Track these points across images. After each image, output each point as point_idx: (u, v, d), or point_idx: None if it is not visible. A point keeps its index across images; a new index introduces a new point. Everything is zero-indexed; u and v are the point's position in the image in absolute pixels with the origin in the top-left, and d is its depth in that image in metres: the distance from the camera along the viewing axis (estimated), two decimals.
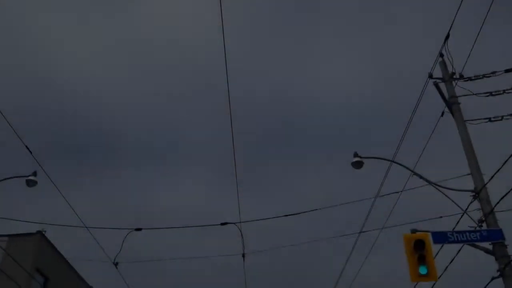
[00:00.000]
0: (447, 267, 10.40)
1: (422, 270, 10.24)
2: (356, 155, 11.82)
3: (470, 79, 12.13)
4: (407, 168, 11.60)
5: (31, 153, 11.47)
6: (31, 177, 12.08)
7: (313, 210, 12.49)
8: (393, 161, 11.69)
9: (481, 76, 11.95)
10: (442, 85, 13.60)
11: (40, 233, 23.48)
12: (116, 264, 13.51)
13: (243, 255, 13.82)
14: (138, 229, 12.92)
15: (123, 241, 12.63)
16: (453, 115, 13.06)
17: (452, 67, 12.32)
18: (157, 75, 65.22)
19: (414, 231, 10.71)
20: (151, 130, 67.91)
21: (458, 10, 10.79)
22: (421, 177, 11.50)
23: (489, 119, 12.99)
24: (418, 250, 10.41)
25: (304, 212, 12.37)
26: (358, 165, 11.75)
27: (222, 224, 13.01)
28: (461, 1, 9.76)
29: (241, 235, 13.16)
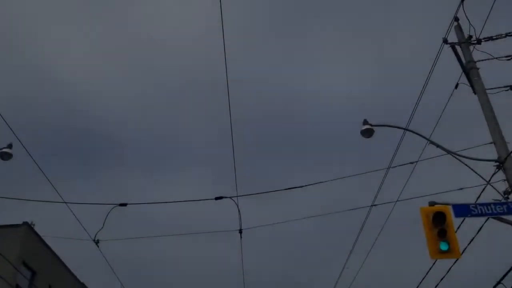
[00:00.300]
0: (470, 242, 9.24)
1: (443, 246, 9.08)
2: (365, 122, 10.66)
3: (491, 38, 11.00)
4: (422, 136, 10.45)
5: (5, 121, 10.30)
6: (6, 150, 10.90)
7: (318, 183, 11.33)
8: (407, 129, 10.54)
9: (503, 35, 10.81)
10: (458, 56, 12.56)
11: (27, 225, 22.24)
12: (97, 242, 12.32)
13: (240, 231, 12.68)
14: (123, 204, 11.76)
15: (106, 216, 11.48)
16: (470, 81, 11.96)
17: (472, 26, 11.15)
18: (157, 75, 64.10)
19: (432, 203, 9.55)
20: (150, 131, 66.71)
21: None
22: (438, 146, 10.35)
23: (510, 87, 11.91)
24: (438, 224, 9.25)
25: (309, 185, 11.22)
26: (368, 133, 10.58)
27: (217, 198, 11.87)
28: None
29: (238, 210, 12.03)
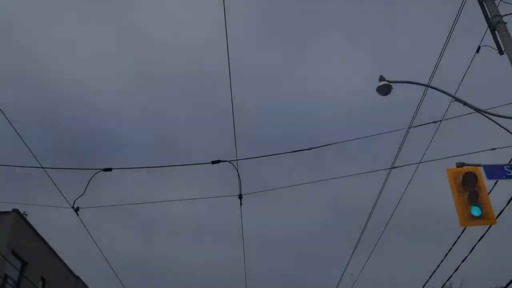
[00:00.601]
0: (505, 207, 8.07)
1: (475, 212, 7.95)
2: (382, 78, 9.50)
3: None
4: (447, 93, 9.30)
5: None
6: None
7: (328, 145, 10.15)
8: (428, 86, 9.37)
9: None
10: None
11: (17, 212, 21.06)
12: (76, 210, 11.14)
13: (240, 197, 11.52)
14: (108, 169, 10.59)
15: (88, 182, 10.30)
16: (496, 39, 10.81)
17: None
18: (157, 76, 62.98)
19: (460, 164, 8.40)
20: (151, 133, 65.55)
21: None
22: (465, 103, 9.20)
23: None
24: (468, 187, 8.12)
25: (317, 147, 10.02)
26: (385, 90, 9.42)
27: (214, 162, 10.73)
28: None
29: (238, 174, 10.87)
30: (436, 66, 9.93)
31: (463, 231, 9.58)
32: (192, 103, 64.68)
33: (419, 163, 9.47)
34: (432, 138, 9.22)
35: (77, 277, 27.60)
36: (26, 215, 24.21)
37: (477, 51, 11.66)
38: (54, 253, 24.96)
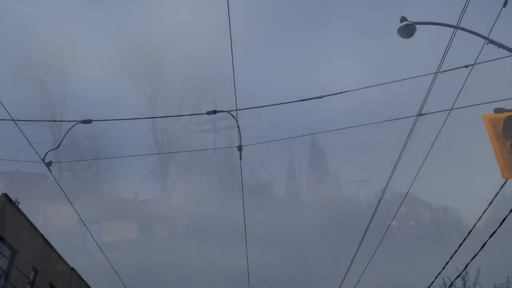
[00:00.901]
0: None
1: None
2: (404, 19, 8.32)
3: None
4: (480, 35, 8.09)
5: None
6: None
7: (344, 92, 8.92)
8: (458, 27, 8.16)
9: None
10: None
11: (6, 196, 19.87)
12: (48, 164, 9.98)
13: (240, 148, 10.42)
14: (87, 121, 9.44)
15: (65, 134, 9.17)
16: None
17: None
18: (158, 76, 61.90)
19: (499, 110, 7.20)
20: (150, 134, 64.30)
21: None
22: (500, 45, 7.99)
23: None
24: (511, 134, 6.90)
25: (329, 95, 8.77)
26: (407, 31, 8.24)
27: (209, 112, 9.60)
28: None
29: (237, 125, 9.75)
30: (464, 9, 8.70)
31: (479, 219, 8.47)
32: (192, 102, 63.61)
33: (450, 109, 8.24)
34: (464, 83, 8.04)
35: (72, 269, 26.38)
36: (18, 202, 23.05)
37: (504, 5, 10.54)
38: (49, 245, 23.76)
